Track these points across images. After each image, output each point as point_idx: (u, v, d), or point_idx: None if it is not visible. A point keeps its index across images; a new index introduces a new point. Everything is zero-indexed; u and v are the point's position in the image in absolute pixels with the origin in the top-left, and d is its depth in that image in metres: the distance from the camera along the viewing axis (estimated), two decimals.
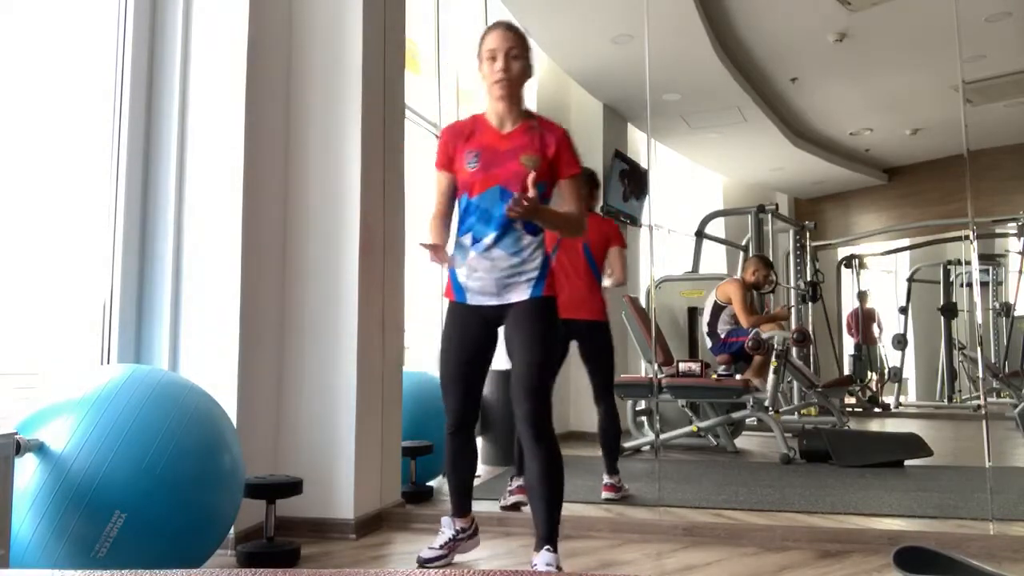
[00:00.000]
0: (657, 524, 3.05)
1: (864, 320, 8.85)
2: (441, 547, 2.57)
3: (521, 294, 2.38)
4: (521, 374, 2.34)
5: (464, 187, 2.41)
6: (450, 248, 2.47)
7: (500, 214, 2.35)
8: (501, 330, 2.49)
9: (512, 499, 3.44)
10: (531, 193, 2.24)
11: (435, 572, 2.25)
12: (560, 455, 2.35)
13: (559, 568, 2.28)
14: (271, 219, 3.08)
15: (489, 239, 2.37)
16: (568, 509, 3.28)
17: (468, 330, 2.44)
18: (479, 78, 2.45)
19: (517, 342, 2.36)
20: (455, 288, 2.47)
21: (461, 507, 2.63)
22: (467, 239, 2.42)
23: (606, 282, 3.77)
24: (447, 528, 2.61)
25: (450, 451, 2.54)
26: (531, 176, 2.29)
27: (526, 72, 2.41)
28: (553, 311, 2.41)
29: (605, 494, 3.56)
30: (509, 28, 2.39)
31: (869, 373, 8.73)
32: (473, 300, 2.43)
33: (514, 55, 2.35)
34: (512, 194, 2.30)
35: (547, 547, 2.28)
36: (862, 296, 8.87)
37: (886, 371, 8.82)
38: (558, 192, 2.46)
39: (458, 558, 2.66)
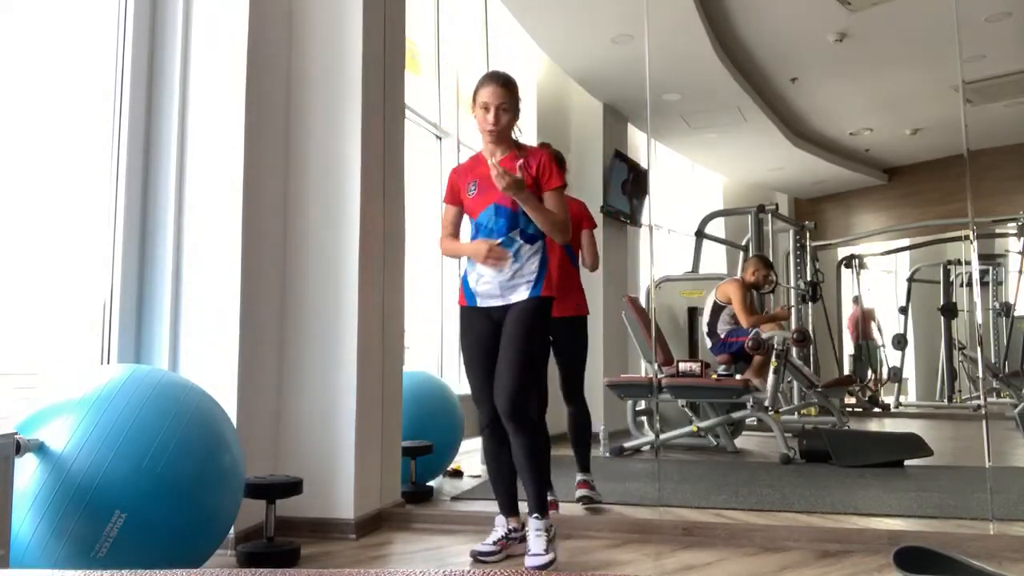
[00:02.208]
0: (657, 524, 3.05)
1: (863, 320, 8.84)
2: (495, 543, 2.69)
3: (521, 295, 2.68)
4: (501, 367, 2.64)
5: (469, 211, 2.78)
6: (463, 264, 2.83)
7: (495, 227, 2.69)
8: None
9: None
10: (518, 173, 2.60)
11: (433, 572, 2.25)
12: (539, 435, 2.72)
13: (548, 531, 2.59)
14: (271, 219, 3.08)
15: (507, 253, 2.67)
16: (567, 509, 3.29)
17: (481, 331, 2.72)
18: (473, 120, 2.78)
19: (505, 338, 2.66)
20: (467, 294, 2.75)
21: (509, 508, 2.79)
22: None
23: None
24: (500, 527, 2.75)
25: (489, 450, 2.77)
26: (520, 163, 2.64)
27: (512, 121, 2.75)
28: (546, 310, 2.71)
29: (580, 491, 3.44)
30: (503, 84, 2.70)
31: (869, 372, 8.72)
32: (482, 303, 2.72)
33: (504, 108, 2.68)
34: (507, 210, 2.66)
35: (536, 515, 2.61)
36: (857, 300, 8.86)
37: (885, 371, 8.82)
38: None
39: (458, 558, 2.66)
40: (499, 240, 2.67)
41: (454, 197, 2.83)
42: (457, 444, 4.09)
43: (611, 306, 6.54)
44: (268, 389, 3.04)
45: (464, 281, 2.76)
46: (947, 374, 8.41)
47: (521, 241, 2.69)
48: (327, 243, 3.13)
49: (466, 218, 2.82)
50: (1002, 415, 6.86)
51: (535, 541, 2.56)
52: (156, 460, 2.04)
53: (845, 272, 8.88)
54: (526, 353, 2.63)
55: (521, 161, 2.67)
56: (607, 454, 5.17)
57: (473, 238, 2.75)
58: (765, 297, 6.49)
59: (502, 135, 2.73)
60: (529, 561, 2.51)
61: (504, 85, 2.71)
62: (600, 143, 6.90)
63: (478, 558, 2.63)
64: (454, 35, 5.76)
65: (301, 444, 3.06)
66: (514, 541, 2.73)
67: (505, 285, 2.67)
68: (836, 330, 8.44)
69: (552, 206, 2.70)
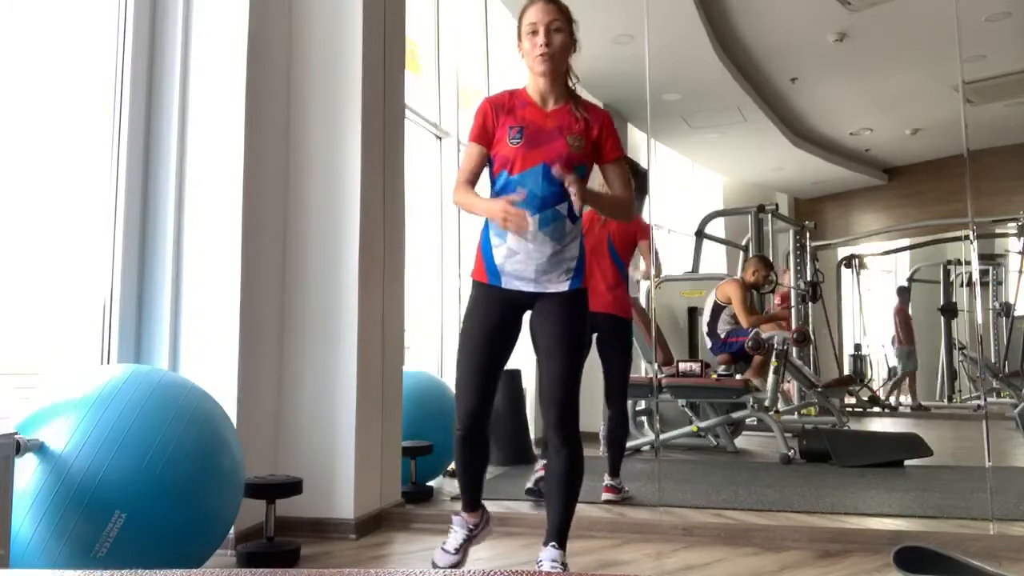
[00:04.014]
0: (657, 524, 3.05)
1: (904, 319, 8.64)
2: (456, 551, 2.48)
3: (559, 285, 2.29)
4: (553, 377, 2.28)
5: (504, 163, 2.27)
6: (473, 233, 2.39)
7: (543, 194, 2.23)
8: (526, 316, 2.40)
9: (535, 475, 3.45)
10: (569, 175, 2.17)
11: (433, 572, 2.25)
12: (582, 459, 2.33)
13: (564, 565, 2.26)
14: (271, 219, 3.08)
15: (532, 221, 2.23)
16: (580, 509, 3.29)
17: (496, 314, 2.31)
18: (519, 55, 2.34)
19: (550, 340, 2.29)
20: (489, 270, 2.32)
21: (473, 503, 2.50)
22: None
23: (636, 275, 3.76)
24: (459, 528, 2.50)
25: (463, 450, 2.38)
26: (559, 168, 2.19)
27: (569, 46, 2.32)
28: (586, 306, 2.36)
29: (605, 495, 3.54)
30: (551, 0, 2.29)
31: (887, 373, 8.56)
32: (508, 284, 2.30)
33: (556, 28, 2.27)
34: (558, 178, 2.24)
35: (554, 543, 2.28)
36: (902, 292, 8.64)
37: (884, 371, 8.81)
38: (601, 176, 2.40)
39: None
40: (537, 216, 2.22)
41: (485, 135, 2.30)
42: None
43: None
44: (268, 389, 3.04)
45: (486, 253, 2.32)
46: (947, 374, 8.41)
47: (566, 218, 2.27)
48: (327, 243, 3.13)
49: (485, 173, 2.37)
50: (1002, 415, 6.86)
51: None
52: (156, 460, 2.04)
53: (845, 272, 8.88)
54: (578, 359, 2.30)
55: (558, 168, 2.20)
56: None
57: (500, 197, 2.25)
58: (765, 297, 6.49)
59: (556, 66, 2.26)
60: None
61: (553, 1, 2.29)
62: None
63: (444, 568, 2.45)
64: (454, 35, 5.76)
65: (301, 444, 3.06)
66: (474, 538, 2.54)
67: (541, 268, 2.26)
68: (836, 330, 8.43)
69: (616, 181, 2.34)
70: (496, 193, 2.30)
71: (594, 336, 3.63)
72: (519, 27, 2.31)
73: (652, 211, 7.67)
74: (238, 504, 2.37)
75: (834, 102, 7.46)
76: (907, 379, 8.41)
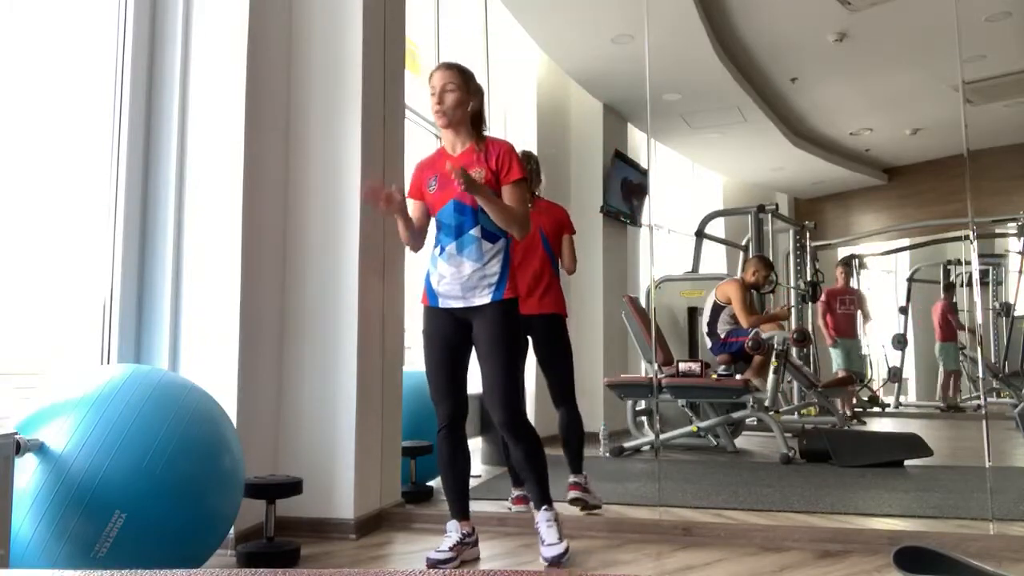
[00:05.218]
0: (657, 524, 3.05)
1: (945, 315, 8.49)
2: (450, 549, 2.60)
3: (484, 297, 2.62)
4: (490, 381, 2.62)
5: (430, 207, 2.72)
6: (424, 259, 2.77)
7: (456, 223, 2.63)
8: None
9: (515, 509, 3.38)
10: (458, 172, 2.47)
11: (436, 572, 2.25)
12: (538, 436, 2.70)
13: (557, 522, 2.65)
14: (271, 219, 3.09)
15: (452, 247, 2.63)
16: (568, 509, 3.29)
17: (443, 331, 2.67)
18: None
19: (483, 348, 2.63)
20: (428, 293, 2.70)
21: (462, 510, 2.71)
22: (437, 250, 2.69)
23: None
24: (454, 531, 2.67)
25: (444, 453, 2.71)
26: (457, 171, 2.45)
27: (464, 101, 2.66)
28: (514, 312, 2.66)
29: (571, 493, 3.35)
30: (448, 67, 2.68)
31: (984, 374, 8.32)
32: (443, 303, 2.66)
33: (449, 89, 2.63)
34: (467, 207, 2.60)
35: (544, 507, 2.67)
36: (949, 288, 8.51)
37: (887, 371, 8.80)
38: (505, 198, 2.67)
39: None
40: (455, 242, 2.62)
41: (416, 190, 2.77)
42: None
43: (611, 306, 6.54)
44: (268, 389, 3.04)
45: (427, 280, 2.71)
46: None
47: (482, 239, 2.62)
48: (327, 243, 3.13)
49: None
50: (1002, 415, 6.86)
51: (548, 531, 2.61)
52: (156, 460, 2.04)
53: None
54: (508, 363, 2.59)
55: (470, 158, 2.61)
56: (607, 454, 5.16)
57: (437, 235, 2.70)
58: (765, 297, 6.49)
59: (454, 120, 2.66)
60: (547, 552, 2.58)
61: (448, 68, 2.67)
62: (600, 143, 6.89)
63: (437, 565, 2.55)
64: (454, 35, 5.76)
65: (301, 444, 3.07)
66: (467, 546, 2.66)
67: (466, 286, 2.61)
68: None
69: (511, 200, 2.64)
70: (436, 231, 2.71)
71: (530, 339, 3.50)
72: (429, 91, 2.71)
73: (652, 211, 7.69)
74: (238, 504, 2.37)
75: (834, 102, 7.46)
76: (952, 377, 8.32)
